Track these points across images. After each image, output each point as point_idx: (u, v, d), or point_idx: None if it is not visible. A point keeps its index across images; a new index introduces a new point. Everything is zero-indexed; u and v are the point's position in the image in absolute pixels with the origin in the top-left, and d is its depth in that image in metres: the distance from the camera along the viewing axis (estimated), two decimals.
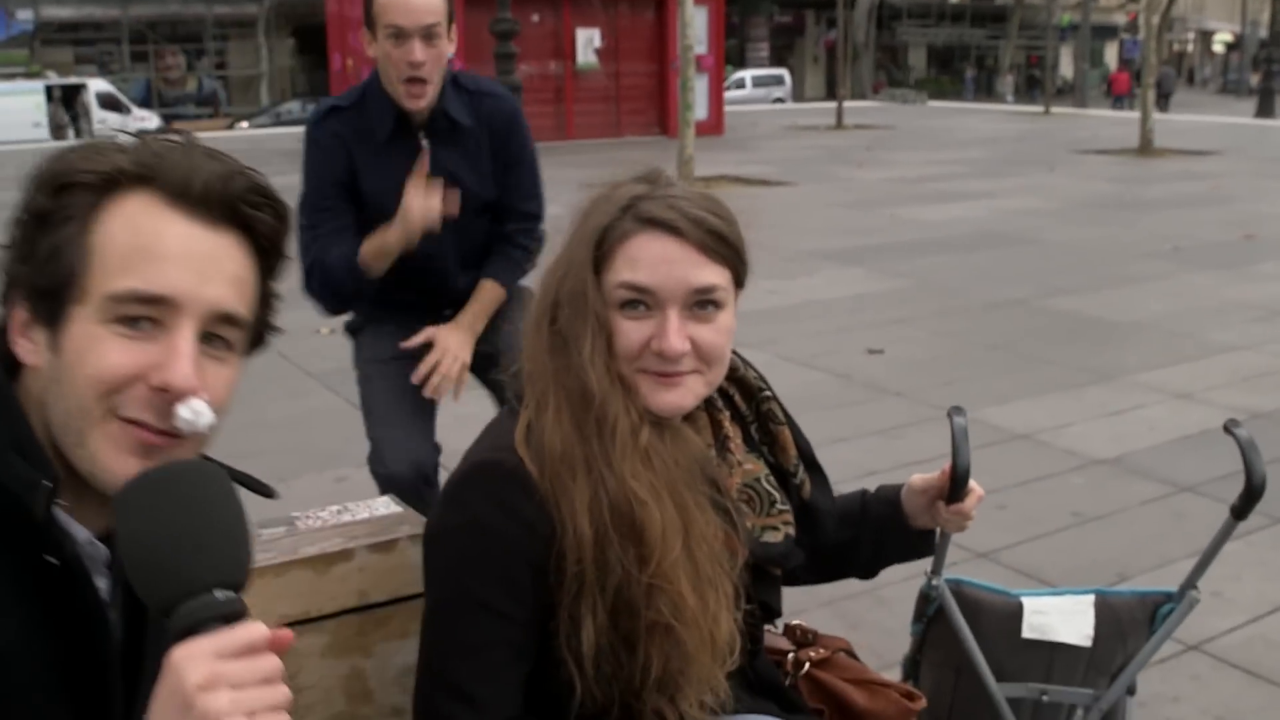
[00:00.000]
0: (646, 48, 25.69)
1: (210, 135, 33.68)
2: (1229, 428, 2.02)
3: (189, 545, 1.03)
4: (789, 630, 1.99)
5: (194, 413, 1.13)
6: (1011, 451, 5.59)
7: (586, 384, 1.54)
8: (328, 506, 2.12)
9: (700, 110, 23.49)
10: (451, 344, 3.27)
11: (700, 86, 23.94)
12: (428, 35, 3.08)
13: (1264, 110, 32.23)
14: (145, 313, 1.12)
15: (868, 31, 54.03)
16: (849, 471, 5.17)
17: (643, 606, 1.51)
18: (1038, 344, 7.64)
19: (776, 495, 1.75)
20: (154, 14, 44.47)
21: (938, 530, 1.97)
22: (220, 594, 1.02)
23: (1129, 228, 12.50)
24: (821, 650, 1.93)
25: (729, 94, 37.16)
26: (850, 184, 16.80)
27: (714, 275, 1.57)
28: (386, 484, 3.15)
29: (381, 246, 3.13)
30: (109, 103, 36.86)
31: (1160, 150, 20.75)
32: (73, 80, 38.57)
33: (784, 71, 48.30)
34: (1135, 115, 22.60)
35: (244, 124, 39.21)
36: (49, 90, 36.55)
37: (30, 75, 39.44)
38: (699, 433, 1.70)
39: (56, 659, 1.12)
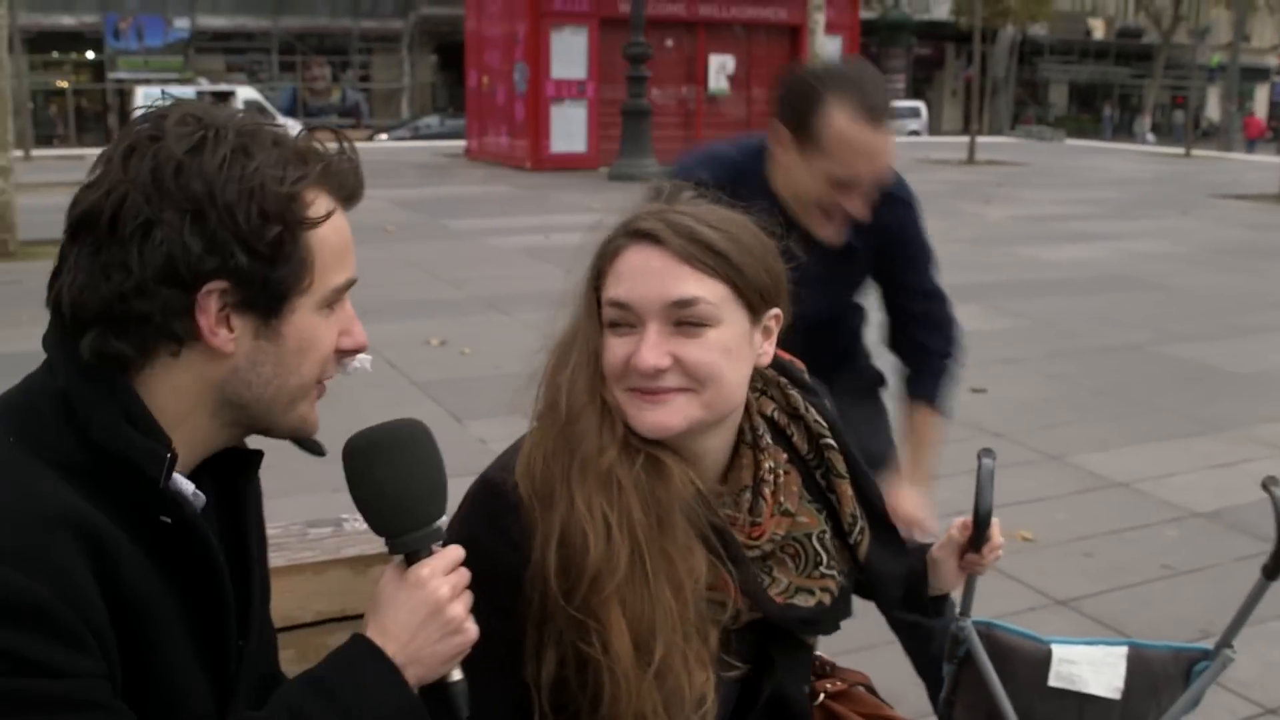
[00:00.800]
0: (779, 75, 25.70)
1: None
2: (1267, 485, 1.99)
3: (424, 487, 1.38)
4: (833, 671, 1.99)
5: (365, 360, 1.41)
6: (1107, 499, 5.49)
7: (562, 404, 1.54)
8: None
9: None
10: (915, 513, 2.83)
11: None
12: (868, 190, 2.58)
13: None
14: (340, 295, 1.35)
15: (1008, 67, 53.28)
16: (940, 509, 5.12)
17: (577, 639, 1.49)
18: (1149, 391, 7.48)
19: (824, 556, 1.67)
20: (303, 26, 45.82)
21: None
22: (437, 525, 1.38)
23: (1259, 276, 12.15)
24: (839, 683, 1.94)
25: None
26: (975, 220, 16.57)
27: (698, 288, 1.50)
28: None
29: None
30: (255, 110, 37.97)
31: None
32: (222, 87, 39.82)
33: (920, 104, 47.83)
34: (1278, 160, 21.92)
35: (383, 136, 40.12)
36: (199, 96, 37.72)
37: (183, 81, 40.86)
38: (740, 470, 1.63)
39: (180, 603, 1.27)
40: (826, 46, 18.83)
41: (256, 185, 1.22)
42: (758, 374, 1.66)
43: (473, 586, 1.45)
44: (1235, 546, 4.92)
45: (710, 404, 1.54)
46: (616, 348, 1.53)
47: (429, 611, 1.34)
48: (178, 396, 1.27)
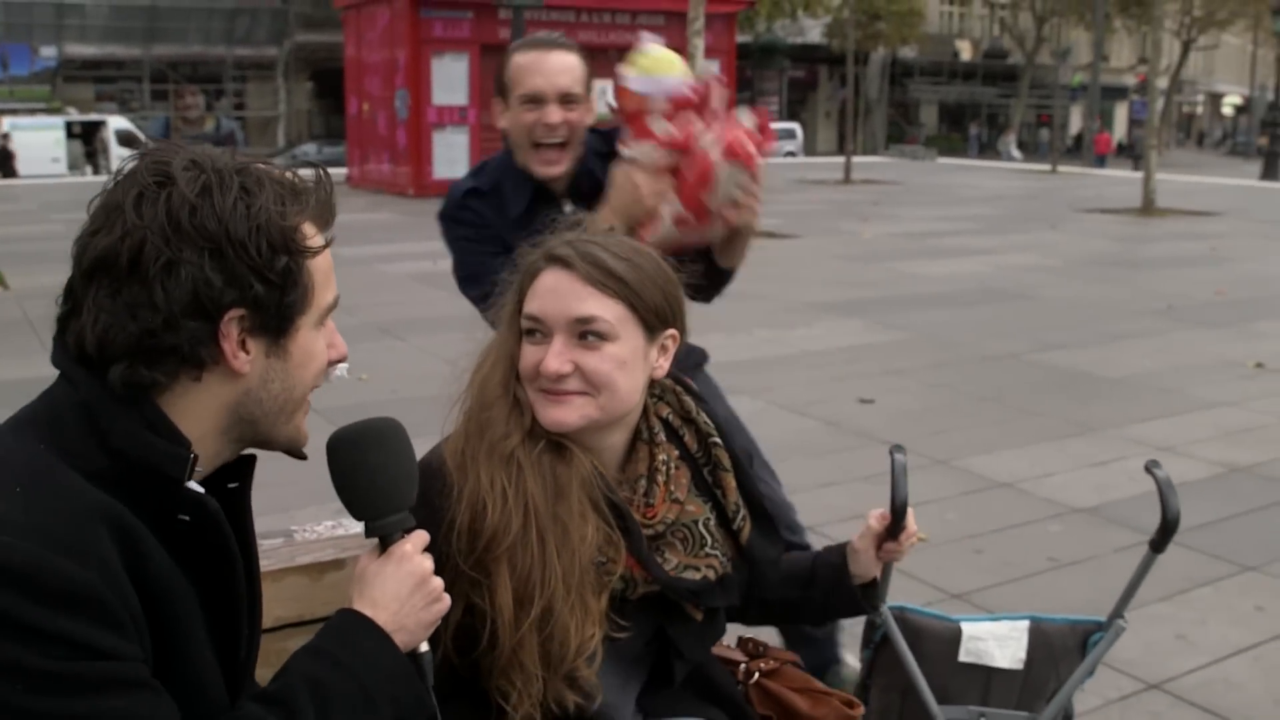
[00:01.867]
0: None
1: None
2: (1149, 468, 2.19)
3: (404, 475, 1.54)
4: (742, 643, 2.16)
5: (343, 368, 1.53)
6: (993, 499, 5.75)
7: (480, 396, 1.80)
8: (324, 521, 2.30)
9: None
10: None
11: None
12: (566, 99, 3.02)
13: (1269, 173, 32.46)
14: (329, 312, 1.48)
15: (880, 88, 54.48)
16: (836, 514, 5.34)
17: (470, 591, 1.72)
18: (1027, 397, 7.80)
19: (708, 539, 1.88)
20: (175, 54, 45.08)
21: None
22: (408, 511, 1.54)
23: (1125, 286, 12.69)
24: (771, 661, 2.10)
25: None
26: (854, 238, 17.03)
27: (597, 307, 1.75)
28: None
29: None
30: (127, 140, 37.26)
31: (1162, 210, 21.01)
32: (92, 117, 39.09)
33: (796, 125, 48.68)
34: (1140, 175, 22.84)
35: None
36: (69, 126, 37.04)
37: (51, 111, 39.94)
38: (637, 462, 1.87)
39: (197, 597, 1.37)
40: (709, 69, 19.13)
41: (263, 221, 1.34)
42: (656, 382, 1.91)
43: None
44: (1114, 538, 5.20)
45: (605, 407, 1.79)
46: (530, 354, 1.78)
47: (415, 582, 1.51)
48: (196, 417, 1.38)
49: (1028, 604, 4.52)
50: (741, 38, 38.49)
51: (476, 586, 1.73)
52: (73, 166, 35.03)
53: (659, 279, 1.81)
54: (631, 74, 2.94)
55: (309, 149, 42.05)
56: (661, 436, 1.90)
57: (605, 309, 1.75)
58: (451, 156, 23.65)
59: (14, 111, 38.62)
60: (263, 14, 46.12)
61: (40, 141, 34.95)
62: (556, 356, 1.74)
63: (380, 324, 9.90)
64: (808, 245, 16.21)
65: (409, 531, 1.55)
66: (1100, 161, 43.04)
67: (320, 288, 1.43)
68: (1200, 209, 21.74)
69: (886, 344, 9.53)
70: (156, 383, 1.34)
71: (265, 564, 2.06)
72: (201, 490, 1.40)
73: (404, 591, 1.50)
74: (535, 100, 2.99)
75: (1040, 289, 12.36)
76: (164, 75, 45.32)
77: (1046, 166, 35.17)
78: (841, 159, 30.00)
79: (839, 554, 2.11)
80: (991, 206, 22.32)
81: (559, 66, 3.02)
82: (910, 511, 2.05)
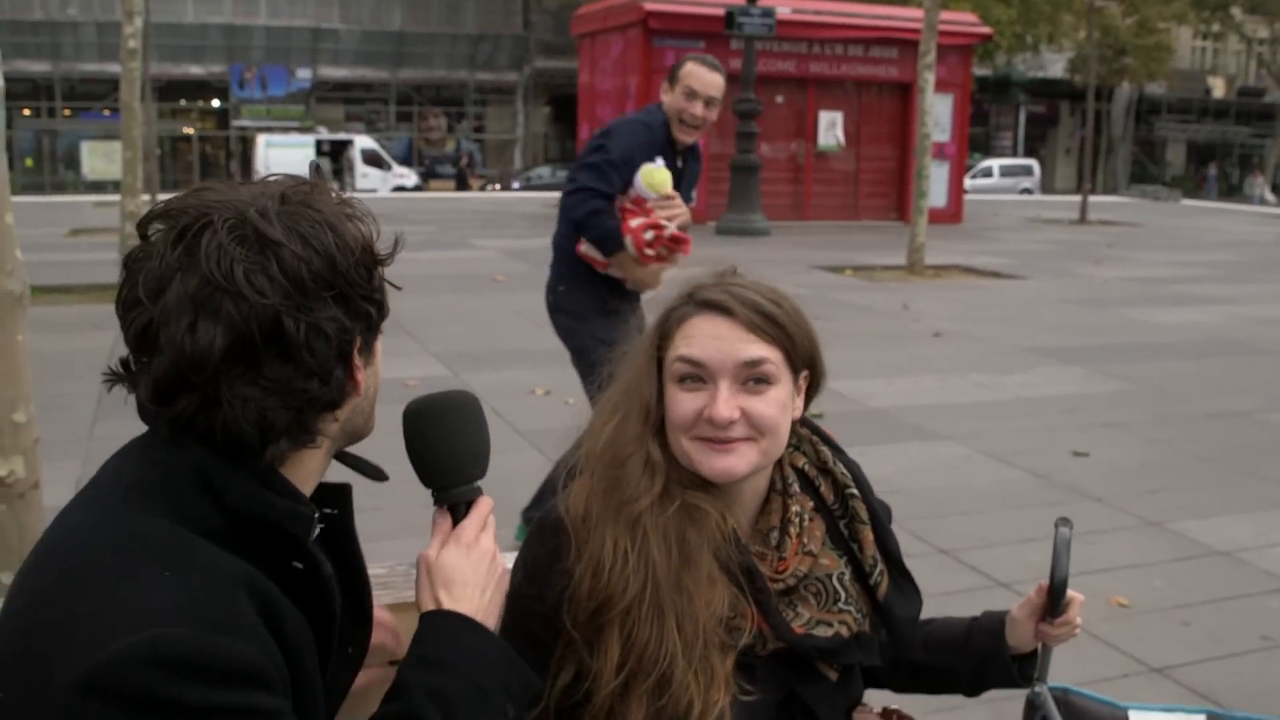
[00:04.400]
0: (889, 132, 25.63)
1: (458, 195, 35.24)
2: None
3: (472, 449, 1.57)
4: (885, 714, 2.07)
5: None
6: (1207, 568, 5.43)
7: (612, 451, 1.75)
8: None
9: (939, 198, 23.31)
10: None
11: (940, 174, 23.72)
12: (708, 102, 4.95)
13: None
14: None
15: (1125, 125, 52.63)
16: (1034, 572, 5.10)
17: (585, 651, 1.69)
18: (1255, 459, 7.35)
19: (843, 594, 1.81)
20: (420, 78, 46.99)
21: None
22: (478, 484, 1.58)
23: None
24: None
25: (975, 182, 36.72)
26: (1084, 281, 16.41)
27: (762, 350, 1.72)
28: None
29: (621, 269, 4.93)
30: (372, 159, 39.07)
31: None
32: (341, 136, 41.06)
33: (1033, 162, 47.42)
34: None
35: (495, 185, 40.88)
36: (319, 144, 39.00)
37: (304, 129, 42.11)
38: (770, 514, 1.82)
39: (308, 624, 1.39)
40: (936, 104, 18.78)
41: (354, 245, 1.36)
42: (792, 431, 1.85)
43: (509, 628, 1.69)
44: None
45: (767, 451, 1.76)
46: (688, 401, 1.73)
47: (488, 565, 1.54)
48: (324, 450, 1.42)
49: (1235, 685, 4.24)
50: (980, 70, 37.73)
51: (589, 647, 1.70)
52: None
53: (802, 322, 1.80)
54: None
55: (543, 171, 43.24)
56: (796, 487, 1.84)
57: (768, 352, 1.73)
58: None
59: (270, 129, 40.93)
60: (504, 40, 47.65)
61: (292, 158, 36.84)
62: (726, 403, 1.70)
63: None
64: (1034, 287, 15.71)
65: (471, 504, 1.56)
66: None
67: None
68: None
69: (1107, 394, 9.13)
70: (316, 440, 1.38)
71: (414, 594, 2.11)
72: (320, 554, 1.41)
73: (481, 577, 1.52)
74: (691, 95, 4.92)
75: None
76: (409, 98, 47.27)
77: None
78: (1079, 198, 29.00)
79: (997, 622, 2.03)
80: (1236, 253, 21.19)
81: (713, 81, 4.96)
82: (1077, 600, 1.94)
